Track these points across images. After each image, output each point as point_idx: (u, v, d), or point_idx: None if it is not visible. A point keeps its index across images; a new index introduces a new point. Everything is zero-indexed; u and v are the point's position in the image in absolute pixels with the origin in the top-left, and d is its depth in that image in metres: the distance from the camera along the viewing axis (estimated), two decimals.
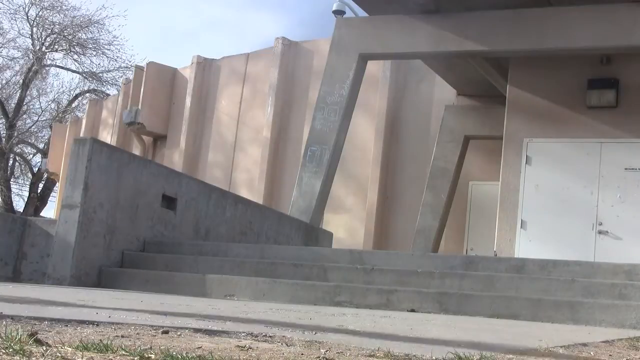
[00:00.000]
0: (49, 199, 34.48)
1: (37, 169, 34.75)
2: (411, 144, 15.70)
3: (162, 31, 66.65)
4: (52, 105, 36.01)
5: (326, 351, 2.50)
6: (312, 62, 16.96)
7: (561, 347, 3.26)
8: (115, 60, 32.99)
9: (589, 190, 11.38)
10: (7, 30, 33.30)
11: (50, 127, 31.97)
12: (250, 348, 2.45)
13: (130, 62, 32.13)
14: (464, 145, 14.52)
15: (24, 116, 34.44)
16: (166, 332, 2.79)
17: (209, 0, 66.57)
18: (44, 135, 35.37)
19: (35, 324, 2.75)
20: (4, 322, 2.70)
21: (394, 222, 15.56)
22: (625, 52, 11.17)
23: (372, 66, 13.80)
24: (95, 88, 34.41)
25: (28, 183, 35.98)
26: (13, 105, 33.41)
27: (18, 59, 33.40)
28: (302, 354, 2.38)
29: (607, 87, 11.49)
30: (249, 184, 17.34)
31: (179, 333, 2.79)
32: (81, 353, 2.10)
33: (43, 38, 33.14)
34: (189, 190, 9.37)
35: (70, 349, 2.16)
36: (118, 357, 2.08)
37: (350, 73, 11.76)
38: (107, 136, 22.13)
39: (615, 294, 6.30)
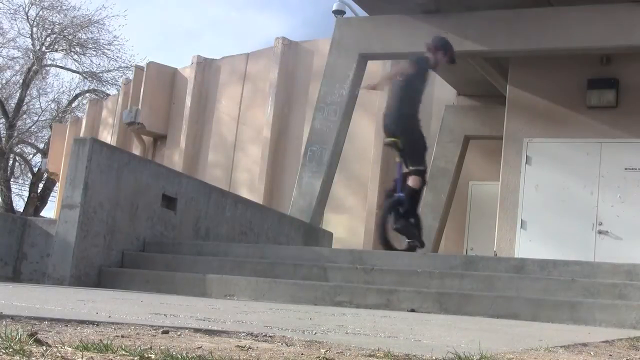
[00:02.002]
0: (49, 199, 34.50)
1: (37, 169, 34.75)
2: None
3: (165, 31, 66.68)
4: (52, 105, 36.05)
5: (326, 351, 2.50)
6: (312, 62, 16.96)
7: (561, 347, 3.26)
8: (115, 60, 33.04)
9: (589, 190, 11.38)
10: (7, 30, 33.33)
11: (50, 127, 31.97)
12: (250, 348, 2.45)
13: (130, 62, 32.16)
14: (464, 145, 14.52)
15: (24, 116, 34.45)
16: (166, 332, 2.79)
17: (212, 1, 66.60)
18: (44, 135, 35.40)
19: (35, 324, 2.75)
20: (4, 322, 2.70)
21: None
22: (625, 52, 11.17)
23: (372, 66, 13.80)
24: (95, 88, 34.43)
25: (28, 183, 35.99)
26: (13, 105, 33.41)
27: (18, 59, 33.44)
28: (302, 354, 2.38)
29: (607, 87, 11.49)
30: (249, 183, 17.34)
31: (179, 333, 2.79)
32: (81, 353, 2.10)
33: (43, 38, 33.15)
34: (189, 190, 9.37)
35: (70, 349, 2.16)
36: (118, 357, 2.08)
37: (350, 73, 11.76)
38: (107, 136, 22.13)
39: (615, 294, 6.29)
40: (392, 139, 7.26)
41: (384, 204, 7.48)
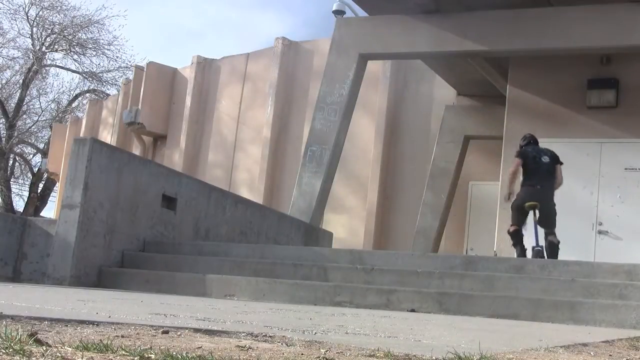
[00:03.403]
0: (49, 199, 34.49)
1: (37, 169, 34.74)
2: (411, 144, 15.70)
3: (165, 31, 66.64)
4: (52, 105, 36.02)
5: (326, 351, 2.50)
6: (312, 62, 16.96)
7: (561, 347, 3.26)
8: (115, 60, 33.00)
9: (589, 190, 11.37)
10: (7, 30, 33.30)
11: (50, 127, 31.97)
12: (250, 348, 2.45)
13: (130, 62, 32.14)
14: (464, 145, 14.52)
15: (24, 116, 34.43)
16: (166, 332, 2.79)
17: (212, 1, 66.58)
18: (44, 135, 35.38)
19: (35, 324, 2.75)
20: (4, 322, 2.70)
21: (394, 222, 15.55)
22: (625, 52, 11.17)
23: (372, 66, 13.80)
24: (95, 88, 34.41)
25: (28, 183, 35.97)
26: (13, 105, 33.40)
27: (18, 59, 33.41)
28: (302, 354, 2.38)
29: (607, 87, 11.48)
30: (249, 183, 17.34)
31: (179, 333, 2.79)
32: (81, 353, 2.10)
33: (43, 38, 33.14)
34: (189, 190, 9.38)
35: (70, 349, 2.16)
36: (118, 357, 2.08)
37: (350, 73, 11.76)
38: (107, 136, 22.12)
39: (615, 294, 6.30)
40: (534, 204, 9.14)
41: (532, 254, 9.43)
